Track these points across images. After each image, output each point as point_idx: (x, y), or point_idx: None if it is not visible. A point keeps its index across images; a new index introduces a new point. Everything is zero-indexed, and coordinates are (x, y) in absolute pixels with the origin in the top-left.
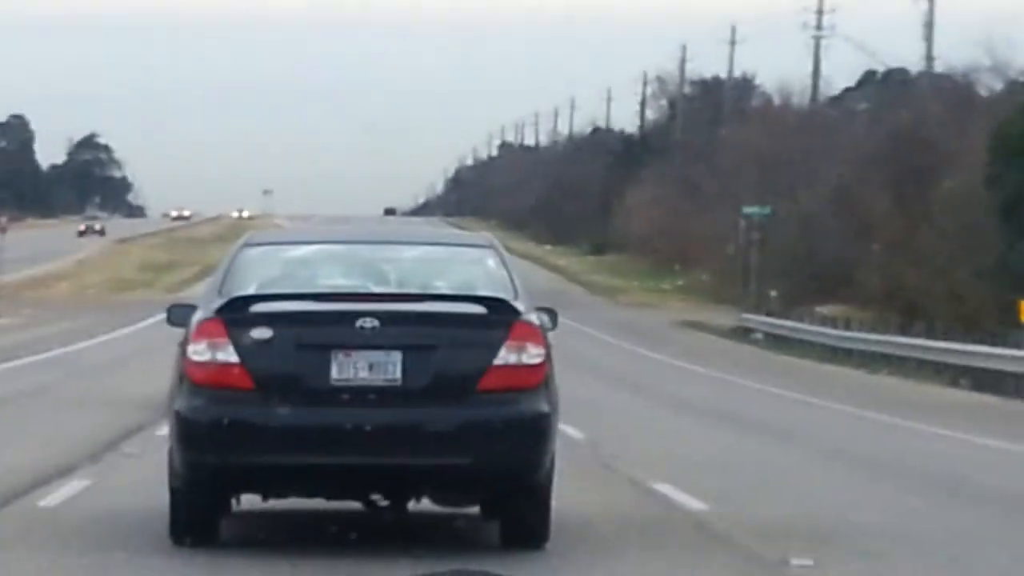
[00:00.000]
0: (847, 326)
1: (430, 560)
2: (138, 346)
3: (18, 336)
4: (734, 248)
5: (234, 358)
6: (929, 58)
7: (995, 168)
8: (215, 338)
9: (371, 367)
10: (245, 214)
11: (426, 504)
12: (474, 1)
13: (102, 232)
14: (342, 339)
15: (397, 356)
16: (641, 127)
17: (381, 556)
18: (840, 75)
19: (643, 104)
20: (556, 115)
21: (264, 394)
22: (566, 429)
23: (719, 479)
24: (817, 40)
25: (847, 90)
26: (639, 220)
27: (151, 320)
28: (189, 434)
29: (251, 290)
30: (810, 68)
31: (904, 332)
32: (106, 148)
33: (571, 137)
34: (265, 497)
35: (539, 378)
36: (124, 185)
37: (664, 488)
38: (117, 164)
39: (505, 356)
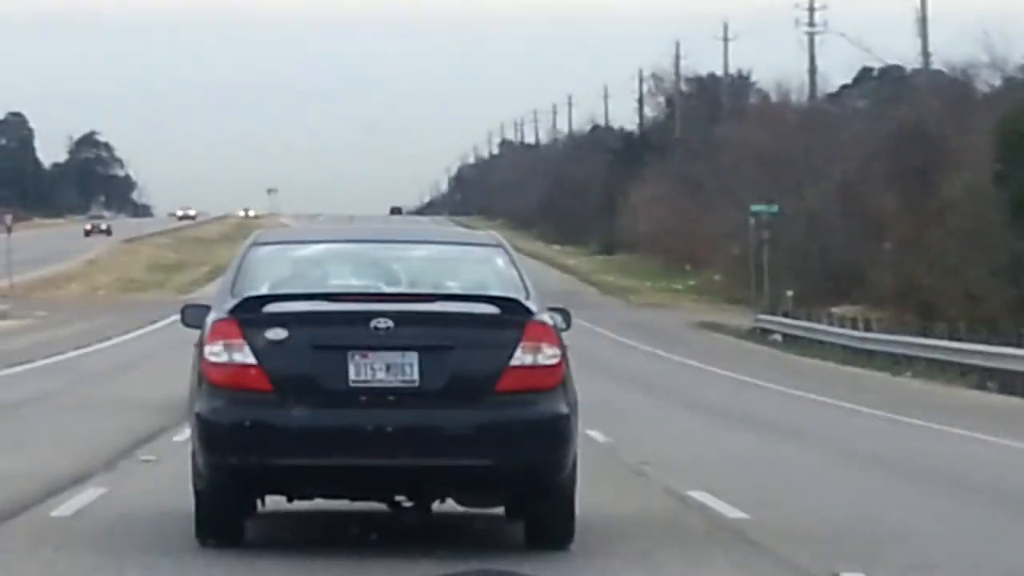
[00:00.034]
0: (867, 327)
1: (453, 560)
2: (153, 348)
3: (32, 338)
4: (739, 248)
5: (251, 359)
6: (925, 54)
7: (1003, 165)
8: (230, 339)
9: (388, 368)
10: (251, 213)
11: (450, 504)
12: (474, 1)
13: (108, 232)
14: (357, 340)
15: (413, 357)
16: (640, 125)
17: (405, 556)
18: (835, 72)
19: (640, 102)
20: (555, 113)
21: (282, 395)
22: (589, 432)
23: (756, 486)
24: (811, 37)
25: (844, 87)
26: (645, 219)
27: (164, 321)
28: (210, 436)
29: (263, 290)
30: (805, 65)
31: (925, 333)
32: (106, 146)
33: (571, 135)
34: (290, 499)
35: (556, 379)
36: (128, 184)
37: (700, 495)
38: (119, 162)
39: (521, 357)
